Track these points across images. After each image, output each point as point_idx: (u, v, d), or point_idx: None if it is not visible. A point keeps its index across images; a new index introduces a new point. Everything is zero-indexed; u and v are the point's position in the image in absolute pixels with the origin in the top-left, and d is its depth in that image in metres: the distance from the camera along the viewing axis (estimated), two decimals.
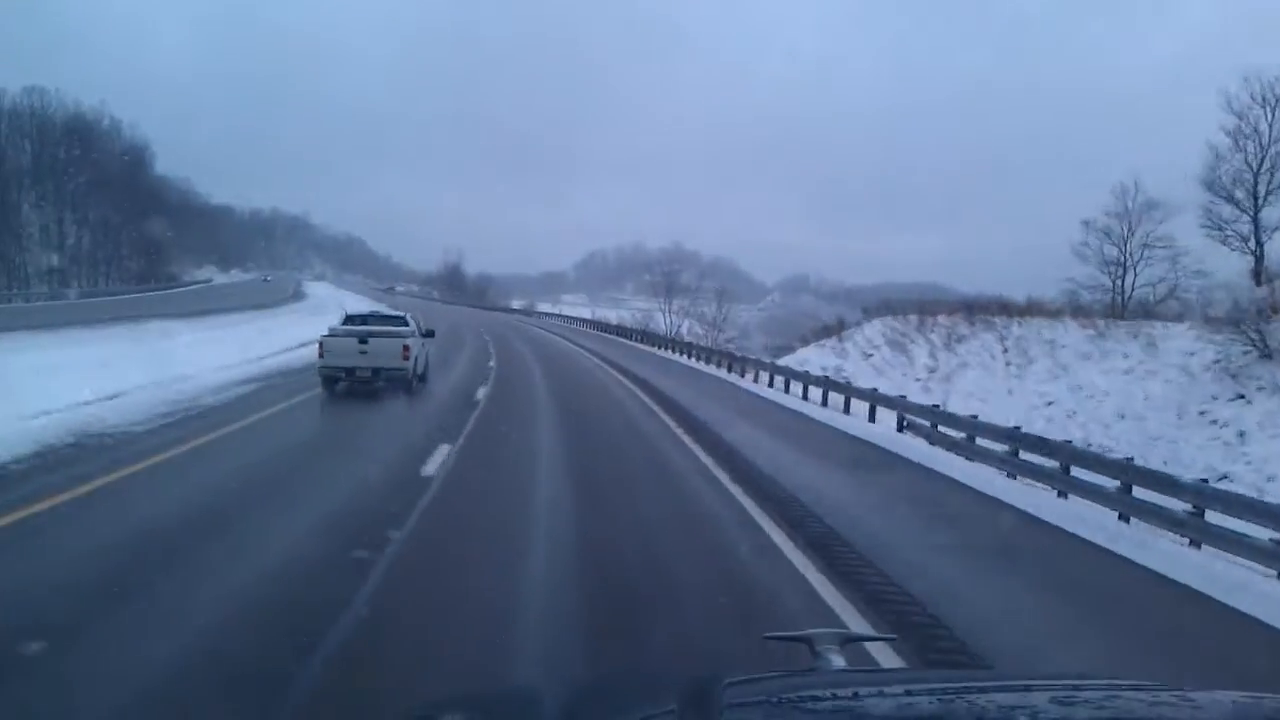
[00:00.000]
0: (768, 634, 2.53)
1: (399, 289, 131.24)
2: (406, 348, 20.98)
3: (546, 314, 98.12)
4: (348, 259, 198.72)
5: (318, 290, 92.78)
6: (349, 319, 24.09)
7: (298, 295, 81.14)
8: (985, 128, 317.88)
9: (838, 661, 2.18)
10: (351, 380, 20.44)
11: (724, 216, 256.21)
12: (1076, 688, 1.76)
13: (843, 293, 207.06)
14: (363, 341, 20.70)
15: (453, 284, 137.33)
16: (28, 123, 73.00)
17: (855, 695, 1.77)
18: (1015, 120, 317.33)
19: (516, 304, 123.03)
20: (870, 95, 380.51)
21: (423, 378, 22.95)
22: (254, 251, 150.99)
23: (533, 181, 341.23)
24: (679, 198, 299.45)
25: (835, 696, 1.76)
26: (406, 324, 23.08)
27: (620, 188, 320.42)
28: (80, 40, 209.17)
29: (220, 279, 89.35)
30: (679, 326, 74.51)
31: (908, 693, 1.85)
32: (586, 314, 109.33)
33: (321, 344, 20.89)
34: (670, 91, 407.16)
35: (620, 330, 64.42)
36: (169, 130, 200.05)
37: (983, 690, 1.77)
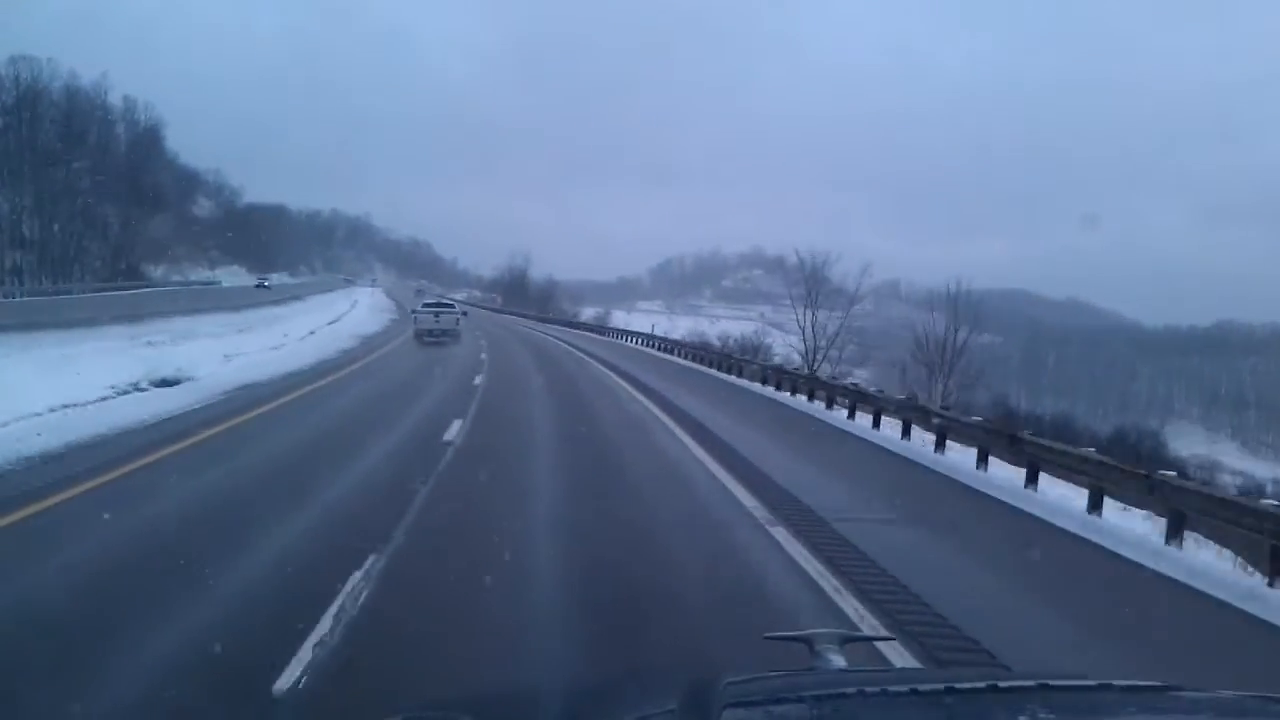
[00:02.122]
0: (768, 634, 2.46)
1: (457, 295, 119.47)
2: (458, 317, 45.25)
3: (626, 332, 64.30)
4: (412, 263, 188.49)
5: (328, 300, 74.93)
6: (426, 305, 47.41)
7: (288, 300, 65.89)
8: (1070, 130, 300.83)
9: (837, 661, 2.17)
10: (431, 335, 41.69)
11: (804, 221, 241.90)
12: (1076, 688, 1.78)
13: (933, 300, 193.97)
14: (436, 316, 43.79)
15: (517, 289, 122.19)
16: (7, 95, 61.34)
17: (855, 695, 1.78)
18: (1101, 122, 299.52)
19: (588, 312, 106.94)
20: (949, 95, 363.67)
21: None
22: (308, 254, 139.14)
23: (608, 186, 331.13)
24: (758, 202, 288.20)
25: (835, 696, 1.75)
26: (455, 307, 48.64)
27: (698, 192, 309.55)
28: (139, 38, 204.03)
29: (235, 281, 76.69)
30: (824, 356, 57.30)
31: (907, 692, 1.87)
32: (679, 327, 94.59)
33: (415, 316, 45.27)
34: (750, 95, 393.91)
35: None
36: (223, 130, 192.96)
37: (982, 690, 1.79)
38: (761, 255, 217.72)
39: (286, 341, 33.61)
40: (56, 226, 57.93)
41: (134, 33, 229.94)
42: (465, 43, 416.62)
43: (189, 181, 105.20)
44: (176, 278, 73.81)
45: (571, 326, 76.42)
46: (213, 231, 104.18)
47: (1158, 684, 1.75)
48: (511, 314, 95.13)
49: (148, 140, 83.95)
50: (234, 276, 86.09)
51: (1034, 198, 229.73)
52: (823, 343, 60.97)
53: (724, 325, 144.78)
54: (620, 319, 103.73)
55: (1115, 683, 1.77)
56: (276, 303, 59.00)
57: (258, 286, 70.43)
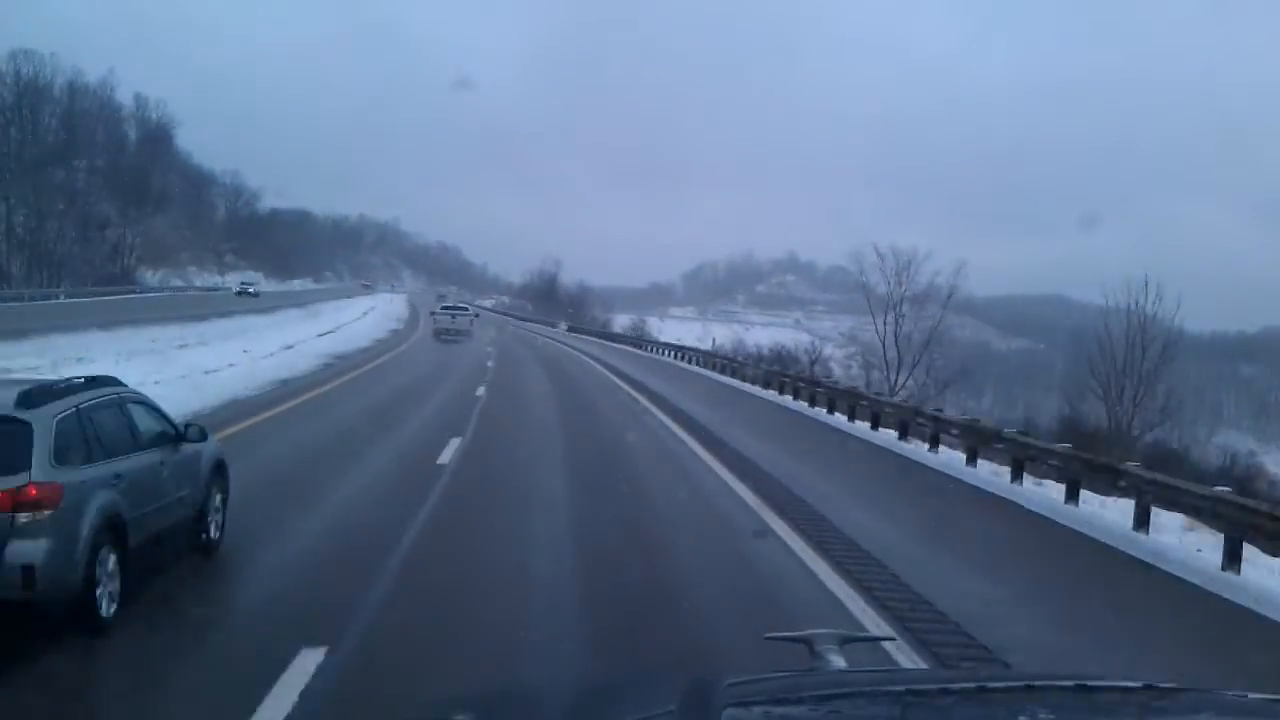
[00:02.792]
0: (768, 634, 2.47)
1: (484, 302, 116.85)
2: (471, 319, 55.27)
3: (674, 347, 51.73)
4: (441, 269, 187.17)
5: (333, 307, 66.80)
6: (444, 308, 57.66)
7: (281, 308, 59.23)
8: (1115, 132, 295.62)
9: (837, 662, 2.17)
10: (447, 334, 49.45)
11: (835, 226, 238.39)
12: (1076, 688, 1.76)
13: (972, 306, 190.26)
14: (452, 317, 52.80)
15: (546, 296, 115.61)
16: (7, 91, 59.60)
17: (854, 695, 1.78)
18: (1141, 121, 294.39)
19: (621, 319, 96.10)
20: (984, 97, 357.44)
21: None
22: (333, 260, 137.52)
23: (640, 191, 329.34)
24: (791, 207, 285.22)
25: (835, 696, 1.75)
26: (469, 309, 60.96)
27: (729, 197, 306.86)
28: (169, 41, 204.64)
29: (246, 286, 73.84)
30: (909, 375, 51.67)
31: (907, 693, 1.85)
32: (713, 333, 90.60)
33: (434, 316, 54.43)
34: (778, 98, 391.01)
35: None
36: (251, 136, 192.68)
37: (982, 690, 1.79)
38: (795, 260, 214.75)
39: (238, 361, 25.10)
40: (51, 227, 55.11)
41: (164, 36, 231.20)
42: (495, 47, 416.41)
43: (201, 183, 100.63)
44: (178, 282, 70.79)
45: (605, 339, 66.29)
46: (230, 235, 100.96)
47: (1158, 684, 1.73)
48: (539, 322, 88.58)
49: (156, 139, 79.91)
50: (261, 283, 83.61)
51: (1075, 199, 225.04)
52: (877, 355, 57.21)
53: (759, 332, 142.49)
54: (654, 326, 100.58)
55: (1115, 683, 1.77)
56: (261, 311, 53.52)
57: (240, 294, 65.66)
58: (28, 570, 5.52)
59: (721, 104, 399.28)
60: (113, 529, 6.25)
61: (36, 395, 6.18)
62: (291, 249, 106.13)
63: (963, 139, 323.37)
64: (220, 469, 8.38)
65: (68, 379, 7.12)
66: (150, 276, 68.13)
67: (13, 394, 6.08)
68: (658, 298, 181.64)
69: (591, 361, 41.31)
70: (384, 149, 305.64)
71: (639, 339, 64.63)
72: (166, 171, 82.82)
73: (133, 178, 68.10)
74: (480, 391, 23.59)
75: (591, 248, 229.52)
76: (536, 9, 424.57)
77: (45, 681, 5.42)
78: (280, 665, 5.43)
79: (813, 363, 55.67)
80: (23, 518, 5.59)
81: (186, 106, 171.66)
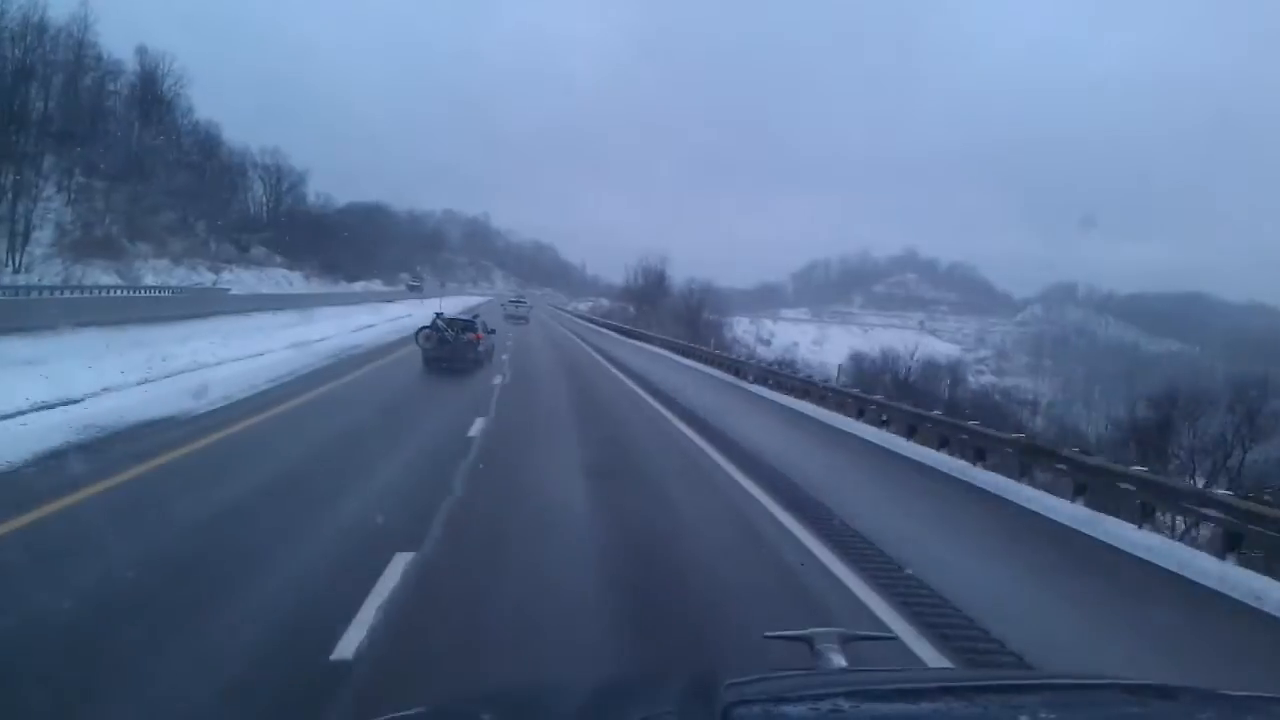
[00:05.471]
0: (768, 633, 2.46)
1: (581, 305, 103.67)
2: (529, 308, 74.24)
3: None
4: (537, 270, 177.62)
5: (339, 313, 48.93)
6: (511, 300, 76.71)
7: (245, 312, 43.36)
8: (1240, 121, 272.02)
9: (838, 661, 2.17)
10: (513, 319, 59.51)
11: (955, 222, 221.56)
12: (1077, 688, 1.81)
13: (1111, 304, 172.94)
14: (516, 306, 69.95)
15: (653, 299, 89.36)
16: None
17: (855, 694, 1.77)
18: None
19: (742, 326, 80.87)
20: (1104, 89, 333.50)
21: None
22: (410, 259, 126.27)
23: (745, 189, 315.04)
24: (908, 204, 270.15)
25: (835, 696, 1.74)
26: (525, 301, 77.67)
27: (839, 193, 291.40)
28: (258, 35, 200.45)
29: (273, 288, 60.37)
30: None
31: (907, 692, 1.86)
32: (830, 336, 76.73)
33: (504, 305, 70.66)
34: (890, 96, 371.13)
35: None
36: (331, 129, 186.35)
37: (982, 690, 1.79)
38: (914, 257, 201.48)
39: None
40: (19, 203, 44.93)
41: (253, 30, 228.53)
42: (597, 43, 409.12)
43: (235, 166, 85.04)
44: (108, 279, 52.12)
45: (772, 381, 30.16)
46: (263, 224, 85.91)
47: (1159, 684, 1.73)
48: (642, 337, 56.59)
49: (149, 99, 67.57)
50: (270, 280, 69.83)
51: (1208, 194, 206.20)
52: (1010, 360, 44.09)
53: (881, 335, 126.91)
54: (767, 328, 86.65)
55: (1116, 681, 1.78)
56: (200, 317, 37.69)
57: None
58: (483, 356, 27.56)
59: (832, 99, 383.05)
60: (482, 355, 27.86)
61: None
62: (361, 246, 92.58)
63: (1085, 131, 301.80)
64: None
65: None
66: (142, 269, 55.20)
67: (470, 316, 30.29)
68: (767, 298, 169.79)
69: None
70: (477, 145, 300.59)
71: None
72: (168, 148, 70.87)
73: (126, 150, 58.30)
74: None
75: (695, 247, 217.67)
76: (643, 4, 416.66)
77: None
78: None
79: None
80: (479, 343, 27.17)
81: (260, 100, 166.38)
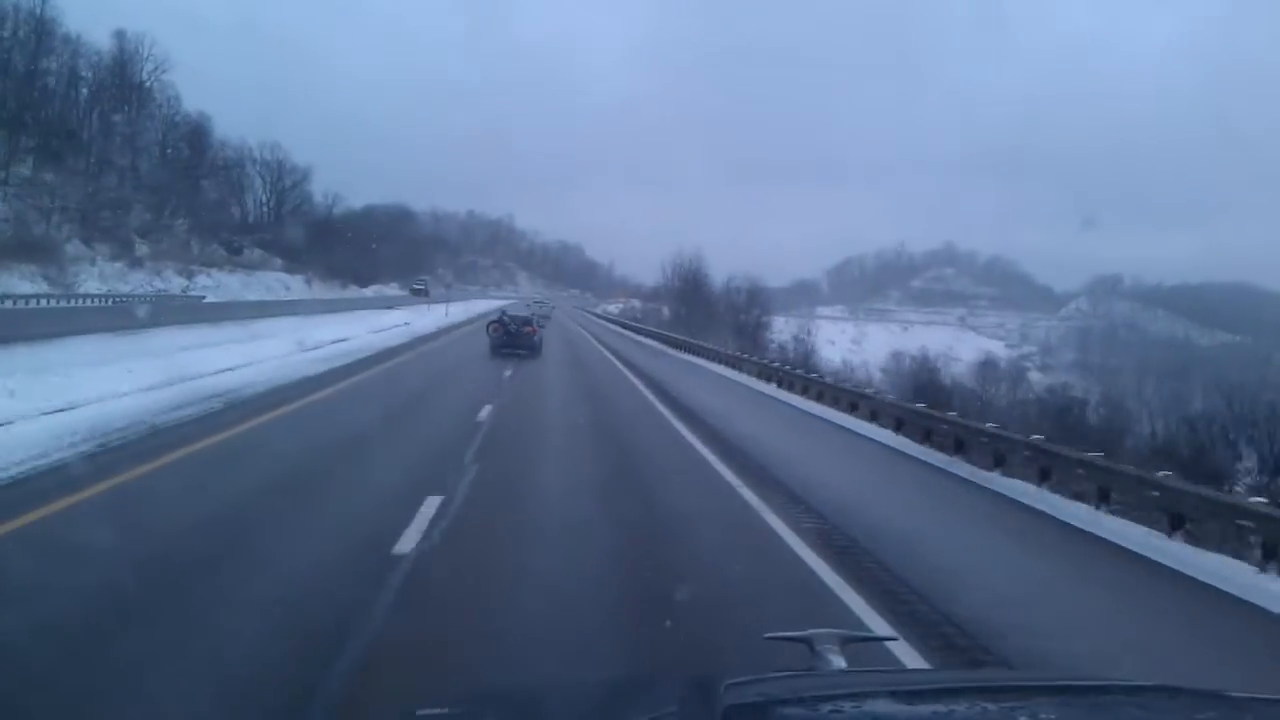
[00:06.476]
0: (768, 634, 2.43)
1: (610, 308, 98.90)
2: (550, 308, 77.57)
3: None
4: (563, 271, 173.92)
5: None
6: (531, 304, 72.38)
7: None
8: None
9: (837, 661, 2.16)
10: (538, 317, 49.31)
11: (989, 216, 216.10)
12: (1077, 689, 1.79)
13: (1159, 295, 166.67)
14: (538, 309, 62.56)
15: (690, 299, 79.63)
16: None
17: (854, 695, 1.77)
18: None
19: (779, 325, 72.82)
20: (1145, 75, 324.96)
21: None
22: (431, 262, 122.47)
23: (776, 186, 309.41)
24: (944, 197, 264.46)
25: (835, 696, 1.74)
26: (546, 303, 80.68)
27: (874, 189, 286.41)
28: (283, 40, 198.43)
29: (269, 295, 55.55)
30: None
31: (907, 693, 1.85)
32: (868, 334, 72.17)
33: (528, 305, 66.81)
34: (925, 87, 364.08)
35: None
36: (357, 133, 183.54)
37: (982, 690, 1.78)
38: (952, 251, 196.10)
39: None
40: None
41: (276, 33, 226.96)
42: (624, 40, 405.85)
43: (231, 162, 79.25)
44: (126, 288, 49.13)
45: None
46: (258, 225, 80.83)
47: (1160, 684, 1.73)
48: (688, 348, 46.11)
49: (135, 94, 62.97)
50: (259, 287, 63.90)
51: (1258, 184, 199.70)
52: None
53: (921, 333, 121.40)
54: (819, 330, 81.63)
55: (1117, 682, 1.77)
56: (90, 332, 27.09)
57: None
58: (537, 344, 35.45)
59: (865, 92, 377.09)
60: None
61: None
62: (374, 249, 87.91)
63: (1123, 124, 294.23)
64: None
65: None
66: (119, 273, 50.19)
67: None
68: (801, 296, 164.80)
69: None
70: (501, 145, 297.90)
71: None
72: (135, 123, 65.74)
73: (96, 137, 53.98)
74: None
75: (726, 245, 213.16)
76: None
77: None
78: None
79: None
80: (535, 335, 35.55)
81: (285, 100, 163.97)
